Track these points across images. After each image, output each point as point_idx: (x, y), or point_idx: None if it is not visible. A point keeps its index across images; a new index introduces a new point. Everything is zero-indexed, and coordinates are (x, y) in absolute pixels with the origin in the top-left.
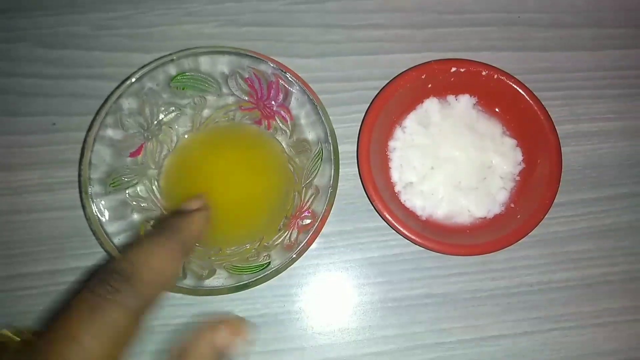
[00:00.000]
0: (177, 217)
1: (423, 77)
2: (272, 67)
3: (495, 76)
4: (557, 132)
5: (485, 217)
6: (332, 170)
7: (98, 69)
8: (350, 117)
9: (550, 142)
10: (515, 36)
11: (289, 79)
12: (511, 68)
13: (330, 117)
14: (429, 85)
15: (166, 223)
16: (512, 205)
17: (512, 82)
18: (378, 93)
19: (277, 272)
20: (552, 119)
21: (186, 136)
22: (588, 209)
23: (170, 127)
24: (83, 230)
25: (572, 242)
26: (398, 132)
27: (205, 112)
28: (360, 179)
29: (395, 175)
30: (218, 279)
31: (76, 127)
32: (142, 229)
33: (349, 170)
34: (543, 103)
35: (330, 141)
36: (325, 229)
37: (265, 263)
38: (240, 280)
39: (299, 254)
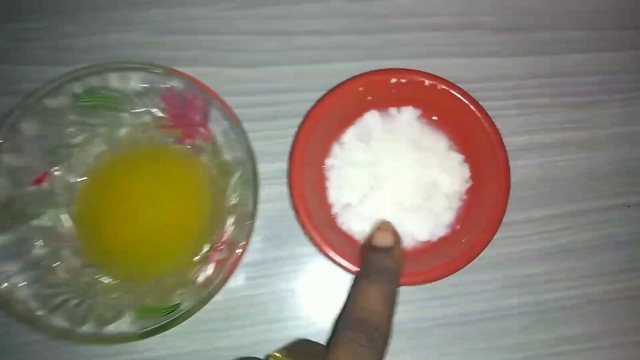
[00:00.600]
0: (385, 258)
1: (361, 89)
2: (187, 83)
3: (439, 86)
4: (507, 145)
5: (429, 241)
6: (252, 198)
7: (14, 85)
8: (287, 132)
9: (499, 157)
10: (467, 41)
11: (204, 95)
12: (462, 76)
13: (265, 132)
14: (369, 98)
15: (378, 265)
16: (458, 227)
17: (457, 92)
18: (312, 107)
19: (186, 316)
20: (501, 132)
21: (102, 158)
22: (543, 227)
23: (82, 149)
24: None
25: (525, 264)
26: (336, 149)
27: (122, 131)
28: (291, 200)
29: (332, 196)
30: (124, 324)
31: None
32: (42, 269)
33: (284, 190)
34: (496, 112)
35: (249, 166)
36: (257, 256)
37: (175, 304)
38: (145, 326)
39: (211, 294)
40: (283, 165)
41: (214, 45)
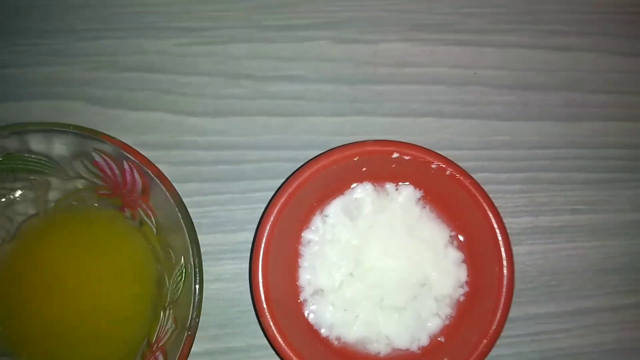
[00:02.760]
0: None
1: (355, 159)
2: (119, 152)
3: (448, 171)
4: (508, 227)
5: (407, 349)
6: (193, 302)
7: None
8: (255, 195)
9: (504, 271)
10: (469, 99)
11: (145, 170)
12: (460, 139)
13: (228, 196)
14: (364, 169)
15: None
16: (442, 339)
17: (469, 183)
18: (293, 173)
19: None
20: (502, 211)
21: (29, 224)
22: (542, 327)
23: (2, 214)
24: None
25: None
26: (317, 221)
27: (52, 195)
28: (250, 281)
29: (303, 278)
30: None
31: None
32: None
33: (244, 266)
34: (498, 187)
35: (192, 262)
36: (208, 345)
37: None
38: None
39: None
40: (246, 235)
41: (172, 87)
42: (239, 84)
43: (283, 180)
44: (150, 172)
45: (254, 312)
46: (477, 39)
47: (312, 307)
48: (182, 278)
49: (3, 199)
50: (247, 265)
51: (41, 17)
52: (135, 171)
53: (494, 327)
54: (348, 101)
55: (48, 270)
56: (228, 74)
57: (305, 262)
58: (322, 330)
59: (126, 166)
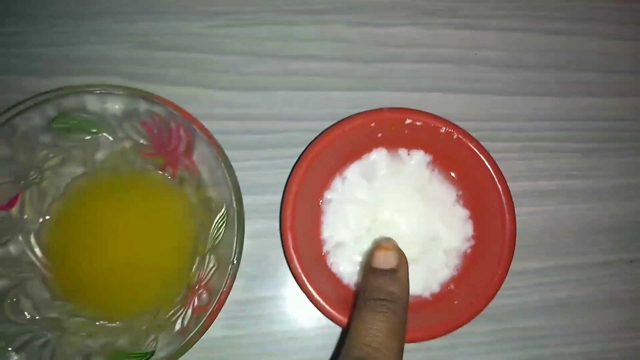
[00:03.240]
0: (389, 282)
1: (372, 125)
2: (172, 112)
3: (455, 135)
4: (513, 204)
5: (420, 296)
6: (236, 242)
7: None
8: (279, 162)
9: (507, 225)
10: (471, 76)
11: (192, 128)
12: (464, 112)
13: (255, 162)
14: (379, 135)
15: (381, 291)
16: (452, 287)
17: (474, 146)
18: (316, 138)
19: None
20: (510, 193)
21: (78, 182)
22: (541, 279)
23: (55, 173)
24: None
25: (521, 317)
26: (337, 183)
27: (100, 155)
28: (281, 236)
29: (325, 232)
30: None
31: None
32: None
33: (271, 225)
34: (499, 155)
35: (234, 206)
36: (239, 296)
37: (150, 352)
38: None
39: (189, 344)
40: (273, 198)
41: (203, 65)
42: (263, 62)
43: (303, 148)
44: (196, 128)
45: (282, 266)
46: (478, 23)
47: (334, 259)
48: (223, 224)
49: (56, 158)
50: (274, 224)
51: (82, 1)
52: (181, 129)
53: (498, 273)
54: (362, 78)
55: (94, 225)
56: (253, 53)
57: (326, 219)
58: (344, 279)
59: (173, 125)
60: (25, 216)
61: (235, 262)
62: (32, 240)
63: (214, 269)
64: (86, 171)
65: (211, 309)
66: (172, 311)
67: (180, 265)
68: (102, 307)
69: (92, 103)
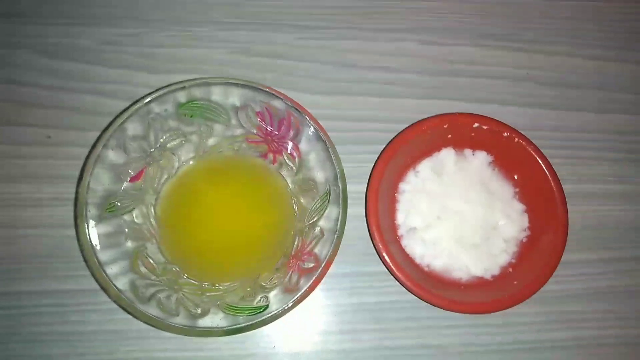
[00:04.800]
0: None
1: (445, 126)
2: (287, 104)
3: (516, 139)
4: (566, 203)
5: (482, 277)
6: (340, 214)
7: (99, 85)
8: (357, 157)
9: (560, 217)
10: (523, 92)
11: (303, 117)
12: (517, 123)
13: (341, 156)
14: (449, 136)
15: None
16: (510, 270)
17: (532, 149)
18: (398, 134)
19: (276, 317)
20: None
21: (188, 163)
22: (584, 269)
23: (172, 153)
24: (68, 251)
25: (567, 302)
26: (410, 176)
27: (211, 141)
28: (366, 219)
29: (400, 218)
30: (213, 319)
31: (72, 142)
32: (135, 261)
33: (350, 211)
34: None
35: (339, 184)
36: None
37: (263, 306)
38: (236, 322)
39: (300, 300)
40: (355, 187)
41: (293, 71)
42: (345, 71)
43: (379, 145)
44: (307, 118)
45: (358, 246)
46: (529, 47)
47: (407, 242)
48: (327, 200)
49: (176, 140)
50: (357, 209)
51: (190, 10)
52: (292, 118)
53: (551, 262)
54: (428, 88)
55: (200, 203)
56: (337, 63)
57: (401, 207)
58: (416, 259)
59: (285, 115)
60: (146, 189)
61: (340, 232)
62: (152, 210)
63: (317, 239)
64: (197, 154)
65: (318, 272)
66: (274, 276)
67: (277, 238)
68: (206, 273)
69: (216, 93)
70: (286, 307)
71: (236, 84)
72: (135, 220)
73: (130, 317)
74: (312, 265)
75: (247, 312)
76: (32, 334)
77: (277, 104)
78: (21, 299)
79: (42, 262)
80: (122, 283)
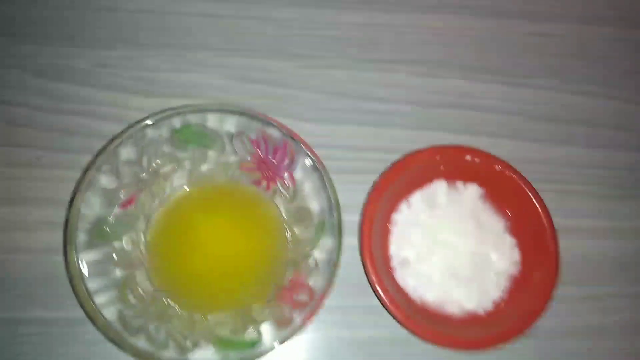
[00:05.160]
0: None
1: (437, 158)
2: (283, 132)
3: (507, 173)
4: (557, 238)
5: (475, 312)
6: (336, 246)
7: (93, 107)
8: (349, 186)
9: (551, 251)
10: (513, 125)
11: (299, 146)
12: (506, 155)
13: (336, 185)
14: (441, 167)
15: None
16: (503, 305)
17: (523, 183)
18: (391, 165)
19: (267, 352)
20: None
21: (181, 190)
22: (574, 305)
23: (165, 179)
24: (53, 278)
25: (559, 337)
26: (403, 207)
27: (204, 167)
28: (360, 251)
29: (393, 250)
30: (204, 353)
31: (62, 164)
32: (123, 290)
33: (345, 240)
34: None
35: (334, 215)
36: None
37: (255, 340)
38: (226, 358)
39: (292, 334)
40: (348, 217)
41: (287, 99)
42: (339, 100)
43: (372, 174)
44: (303, 147)
45: (351, 277)
46: (519, 82)
47: (400, 274)
48: (321, 231)
49: (169, 166)
50: (349, 239)
51: (186, 35)
52: (287, 147)
53: (544, 297)
54: (421, 119)
55: (190, 230)
56: (330, 92)
57: (393, 238)
58: (409, 292)
59: (280, 143)
60: (137, 216)
61: (335, 264)
62: (142, 237)
63: (311, 270)
64: (189, 180)
65: (312, 305)
66: (265, 308)
67: (269, 268)
68: (195, 303)
69: (212, 120)
70: (278, 343)
71: (232, 112)
72: (125, 247)
73: (114, 349)
74: (306, 298)
75: (238, 347)
76: None
77: (273, 132)
78: (2, 326)
79: (25, 288)
80: (110, 313)
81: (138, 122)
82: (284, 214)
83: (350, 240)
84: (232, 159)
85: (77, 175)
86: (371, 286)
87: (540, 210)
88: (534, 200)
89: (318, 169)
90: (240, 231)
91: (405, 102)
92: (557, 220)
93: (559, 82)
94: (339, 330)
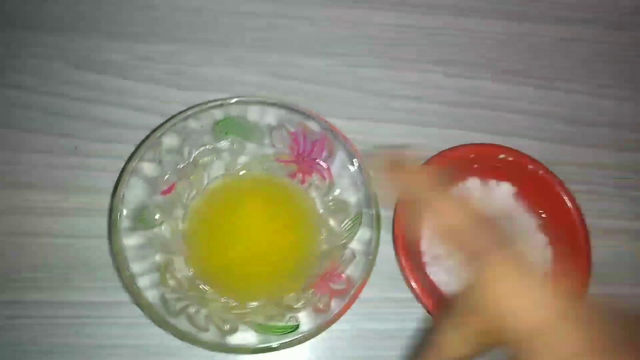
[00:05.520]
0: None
1: (472, 156)
2: (322, 126)
3: (540, 172)
4: (589, 237)
5: None
6: (374, 237)
7: (130, 99)
8: (383, 183)
9: (583, 251)
10: (542, 127)
11: (338, 140)
12: (537, 157)
13: None
14: (475, 166)
15: None
16: None
17: (556, 183)
18: (425, 162)
19: (308, 337)
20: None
21: (218, 180)
22: None
23: (203, 169)
24: (89, 263)
25: None
26: None
27: (241, 159)
28: (393, 245)
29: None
30: (244, 337)
31: (99, 153)
32: (163, 274)
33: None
34: None
35: (373, 206)
36: None
37: (294, 325)
38: (267, 341)
39: (332, 321)
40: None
41: (321, 96)
42: (371, 98)
43: None
44: (342, 140)
45: (383, 271)
46: (548, 85)
47: (432, 269)
48: (358, 222)
49: (209, 157)
50: (382, 234)
51: (223, 31)
52: (326, 140)
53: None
54: (451, 119)
55: (226, 221)
56: (364, 90)
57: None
58: (441, 287)
59: (319, 136)
60: (176, 204)
61: (372, 254)
62: (179, 225)
63: (348, 260)
64: (226, 172)
65: (352, 293)
66: (300, 296)
67: (303, 258)
68: (231, 291)
69: (253, 112)
70: (319, 327)
71: (273, 104)
72: (164, 234)
73: (150, 332)
74: (343, 287)
75: (278, 331)
76: (49, 345)
77: (312, 125)
78: (39, 308)
79: (61, 272)
80: (152, 295)
81: (181, 112)
82: (319, 207)
83: (383, 235)
84: (270, 151)
85: (113, 164)
86: (404, 278)
87: (573, 210)
88: (567, 200)
89: (357, 162)
90: (275, 222)
91: (437, 101)
92: (588, 220)
93: (589, 86)
94: (370, 322)
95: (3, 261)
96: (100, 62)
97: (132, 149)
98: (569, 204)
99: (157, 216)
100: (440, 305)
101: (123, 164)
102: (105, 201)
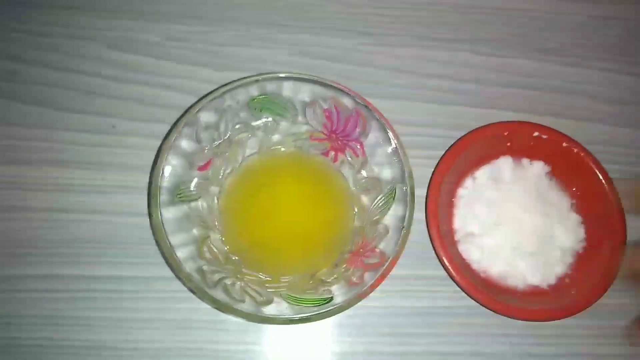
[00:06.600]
0: None
1: (505, 133)
2: (357, 101)
3: (575, 150)
4: (625, 217)
5: (538, 286)
6: (407, 212)
7: (165, 79)
8: (416, 161)
9: (617, 230)
10: (577, 106)
11: (372, 115)
12: (571, 136)
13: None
14: (508, 144)
15: None
16: (567, 281)
17: (590, 161)
18: (459, 139)
19: (342, 308)
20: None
21: (252, 158)
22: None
23: (238, 146)
24: (125, 238)
25: (622, 317)
26: (468, 181)
27: (275, 137)
28: (426, 223)
29: (457, 223)
30: (278, 308)
31: (135, 132)
32: (201, 247)
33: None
34: None
35: (407, 182)
36: None
37: (327, 297)
38: (301, 312)
39: (366, 293)
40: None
41: (352, 75)
42: (403, 77)
43: (435, 150)
44: (378, 117)
45: (415, 249)
46: (583, 63)
47: (464, 247)
48: (392, 198)
49: (244, 134)
50: (416, 212)
51: (255, 11)
52: (359, 116)
53: (609, 275)
54: (484, 98)
55: (260, 198)
56: (395, 69)
57: (458, 212)
58: (473, 265)
59: (353, 113)
60: (212, 179)
61: (406, 228)
62: (215, 201)
63: (381, 236)
64: (260, 149)
65: (385, 266)
66: (331, 272)
67: (336, 235)
68: (264, 266)
69: (287, 88)
70: (353, 299)
71: (307, 80)
72: (201, 209)
73: (183, 306)
74: (376, 261)
75: (311, 303)
76: (84, 319)
77: (346, 101)
78: (75, 282)
79: (97, 248)
80: (189, 267)
81: (217, 88)
82: (351, 184)
83: (416, 214)
84: (304, 128)
85: (149, 143)
86: (437, 256)
87: (608, 189)
88: (601, 178)
89: (391, 138)
90: (307, 199)
91: (469, 80)
92: (624, 202)
93: (623, 64)
94: (401, 299)
95: (40, 237)
96: (132, 42)
97: (168, 128)
98: (604, 183)
99: (194, 191)
100: (473, 283)
101: (159, 143)
102: (141, 179)
